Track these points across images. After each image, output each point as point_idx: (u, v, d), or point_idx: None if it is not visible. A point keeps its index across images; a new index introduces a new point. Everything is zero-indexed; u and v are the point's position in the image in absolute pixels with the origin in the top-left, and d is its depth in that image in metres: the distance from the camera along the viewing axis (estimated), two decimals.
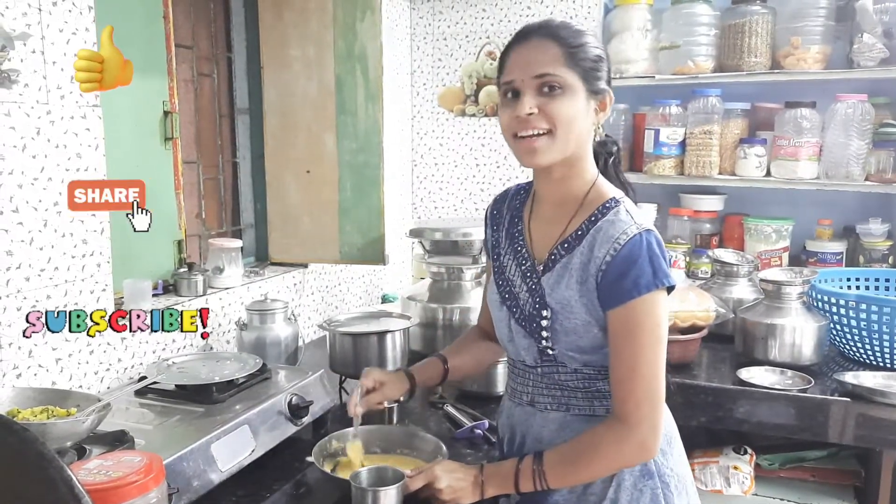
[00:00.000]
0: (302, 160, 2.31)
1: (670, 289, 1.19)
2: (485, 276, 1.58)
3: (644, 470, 1.24)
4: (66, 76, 1.55)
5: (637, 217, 1.22)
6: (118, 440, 1.27)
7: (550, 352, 1.26)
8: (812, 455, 2.25)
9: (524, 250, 1.32)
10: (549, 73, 1.19)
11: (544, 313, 1.25)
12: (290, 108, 2.30)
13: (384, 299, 2.85)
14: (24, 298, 1.50)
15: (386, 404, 1.48)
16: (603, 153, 1.32)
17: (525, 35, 1.24)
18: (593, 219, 1.24)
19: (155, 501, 1.03)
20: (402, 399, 1.49)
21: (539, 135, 1.20)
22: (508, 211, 1.39)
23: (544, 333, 1.25)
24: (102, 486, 0.98)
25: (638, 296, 1.16)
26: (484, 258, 2.17)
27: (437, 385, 1.54)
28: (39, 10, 1.49)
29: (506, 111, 1.23)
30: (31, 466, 0.85)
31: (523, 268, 1.31)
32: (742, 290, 2.39)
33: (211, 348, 2.04)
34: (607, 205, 1.24)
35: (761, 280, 2.20)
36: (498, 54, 1.46)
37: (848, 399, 1.90)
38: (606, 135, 1.32)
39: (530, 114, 1.19)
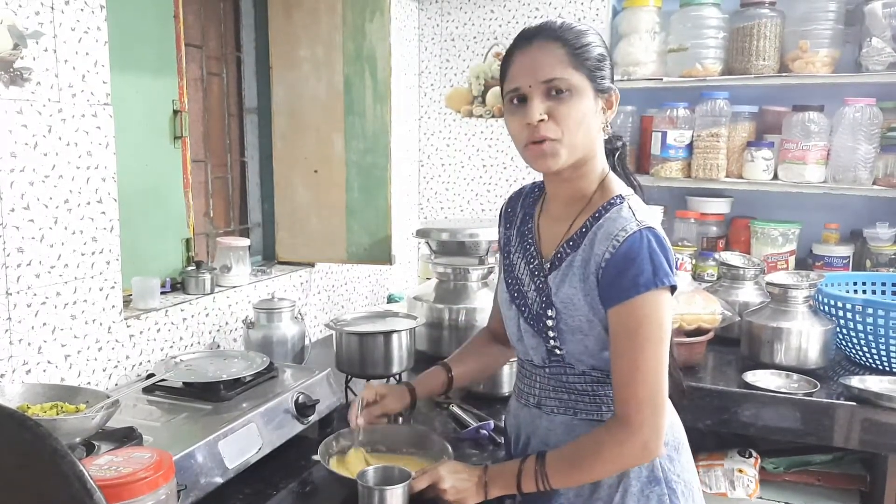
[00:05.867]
0: (310, 160, 2.32)
1: (673, 289, 1.18)
2: (493, 276, 1.57)
3: (651, 476, 1.25)
4: (77, 75, 1.56)
5: (639, 213, 1.20)
6: (126, 437, 1.28)
7: (558, 352, 1.27)
8: (817, 459, 2.26)
9: (533, 249, 1.33)
10: (557, 77, 1.17)
11: (549, 312, 1.25)
12: (299, 109, 2.31)
13: (390, 299, 2.85)
14: (35, 295, 1.51)
15: (390, 419, 1.48)
16: (609, 150, 1.31)
17: (527, 38, 1.21)
18: (597, 216, 1.23)
19: (164, 498, 1.03)
20: (402, 413, 1.49)
21: (551, 140, 1.19)
22: (522, 209, 1.39)
23: (551, 333, 1.26)
24: (113, 481, 0.98)
25: (637, 294, 1.15)
26: (492, 259, 2.18)
27: (442, 394, 1.53)
28: (52, 8, 1.50)
29: (514, 119, 1.21)
30: (45, 461, 0.85)
31: (531, 266, 1.32)
32: (748, 294, 2.39)
33: (218, 346, 2.05)
34: (612, 201, 1.23)
35: (768, 283, 2.20)
36: None
37: (854, 403, 1.90)
38: (613, 134, 1.31)
39: (541, 120, 1.17)
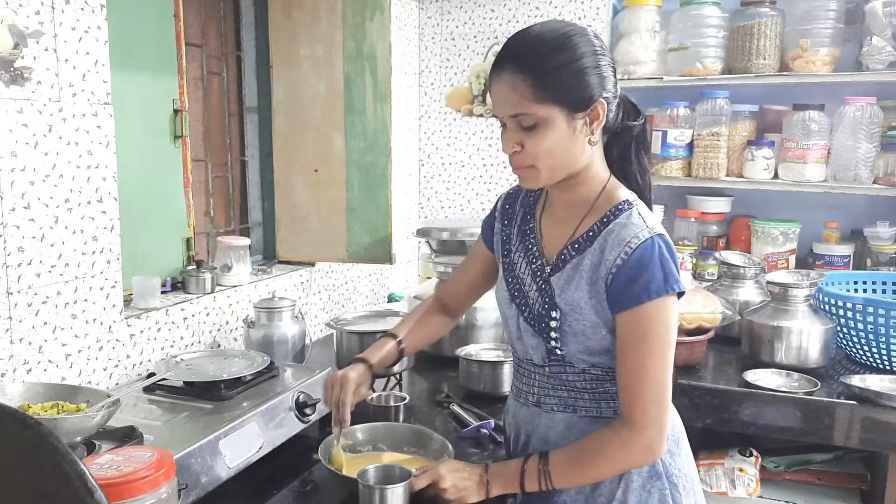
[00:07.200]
0: (310, 159, 2.32)
1: (680, 294, 1.19)
2: (474, 254, 1.53)
3: (652, 471, 1.25)
4: (78, 74, 1.56)
5: (649, 220, 1.21)
6: (127, 436, 1.28)
7: (559, 352, 1.27)
8: (818, 458, 2.26)
9: (535, 249, 1.33)
10: (521, 113, 1.17)
11: (553, 314, 1.25)
12: (299, 108, 2.31)
13: (390, 298, 2.85)
14: (35, 294, 1.51)
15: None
16: (626, 137, 1.28)
17: (497, 66, 1.19)
18: (605, 220, 1.23)
19: (165, 497, 1.04)
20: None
21: (527, 167, 1.21)
22: (521, 207, 1.39)
23: (553, 334, 1.25)
24: (114, 480, 0.99)
25: (648, 300, 1.16)
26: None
27: (393, 364, 1.49)
28: (52, 7, 1.50)
29: (502, 140, 1.23)
30: (46, 460, 0.85)
31: (533, 266, 1.31)
32: (749, 293, 2.39)
33: (219, 346, 2.05)
34: (620, 207, 1.23)
35: (768, 282, 2.20)
36: None
37: (854, 402, 1.90)
38: (625, 118, 1.25)
39: (515, 151, 1.20)
